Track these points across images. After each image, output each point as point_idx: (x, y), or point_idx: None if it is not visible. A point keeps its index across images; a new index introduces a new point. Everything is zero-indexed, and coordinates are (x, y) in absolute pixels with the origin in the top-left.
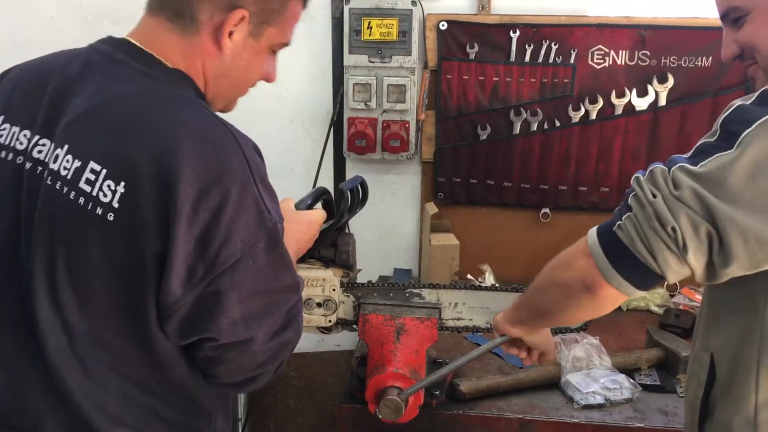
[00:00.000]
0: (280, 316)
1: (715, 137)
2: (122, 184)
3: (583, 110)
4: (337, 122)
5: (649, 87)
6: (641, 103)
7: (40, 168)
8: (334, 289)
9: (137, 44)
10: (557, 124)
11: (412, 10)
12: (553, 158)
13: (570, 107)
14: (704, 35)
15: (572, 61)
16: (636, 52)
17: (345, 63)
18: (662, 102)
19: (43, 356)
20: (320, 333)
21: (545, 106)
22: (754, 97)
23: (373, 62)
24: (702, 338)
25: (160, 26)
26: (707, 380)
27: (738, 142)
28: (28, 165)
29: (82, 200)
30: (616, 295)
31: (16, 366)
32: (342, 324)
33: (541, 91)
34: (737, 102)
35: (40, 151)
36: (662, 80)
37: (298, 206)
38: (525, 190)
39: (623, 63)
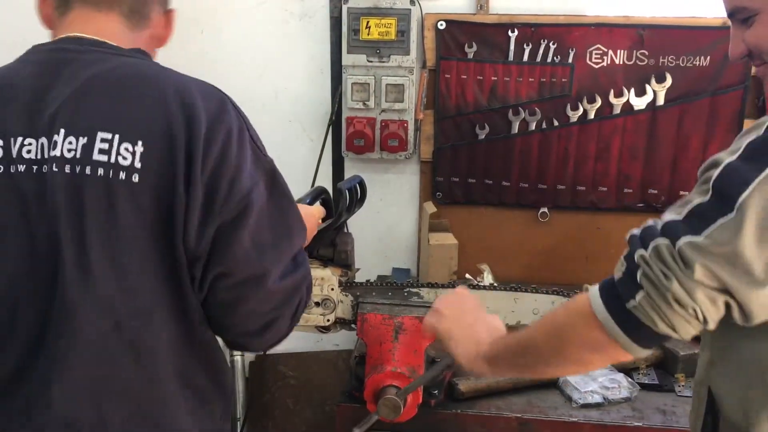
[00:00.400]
0: (290, 253)
1: (708, 197)
2: (140, 143)
3: (581, 110)
4: (335, 122)
5: (648, 86)
6: (639, 103)
7: (36, 167)
8: (332, 289)
9: (85, 36)
10: (555, 123)
11: (410, 9)
12: (552, 158)
13: (568, 107)
14: (702, 35)
15: (570, 60)
16: (634, 51)
17: (343, 62)
18: (660, 101)
19: (77, 354)
20: (319, 332)
21: (543, 105)
22: (740, 150)
23: (371, 62)
24: (702, 371)
25: (110, 20)
26: (705, 412)
27: (737, 205)
28: (20, 167)
29: (101, 171)
30: (631, 356)
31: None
32: (340, 323)
33: (540, 90)
34: (724, 159)
35: (29, 151)
36: (660, 80)
37: None
38: (523, 190)
39: (621, 62)
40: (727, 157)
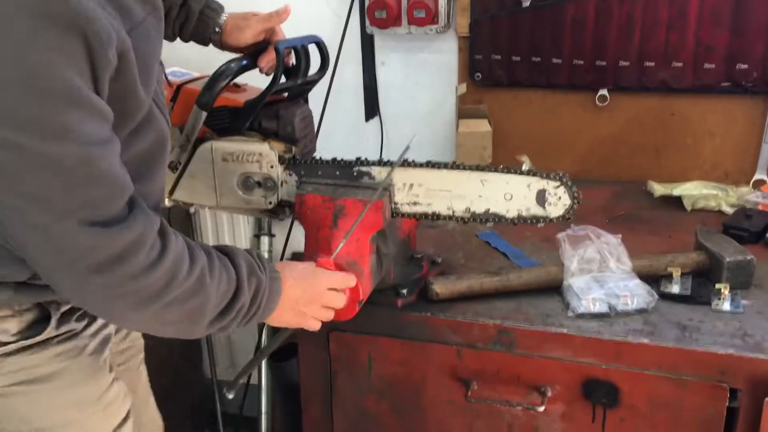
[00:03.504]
0: None
1: None
2: None
3: None
4: None
5: None
6: None
7: None
8: (272, 166)
9: None
10: None
11: None
12: (612, 27)
13: None
14: None
15: None
16: None
17: None
18: None
19: None
20: (265, 216)
21: None
22: None
23: None
24: None
25: None
26: None
27: None
28: None
29: None
30: None
31: None
32: (287, 206)
33: None
34: None
35: None
36: None
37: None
38: (578, 68)
39: None
40: None
